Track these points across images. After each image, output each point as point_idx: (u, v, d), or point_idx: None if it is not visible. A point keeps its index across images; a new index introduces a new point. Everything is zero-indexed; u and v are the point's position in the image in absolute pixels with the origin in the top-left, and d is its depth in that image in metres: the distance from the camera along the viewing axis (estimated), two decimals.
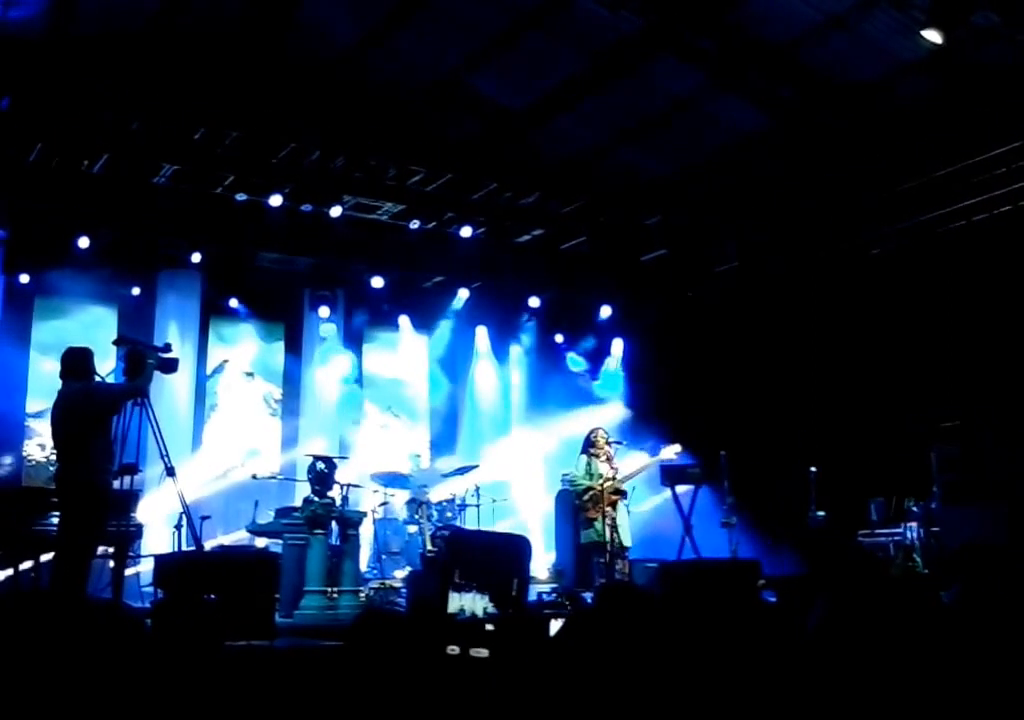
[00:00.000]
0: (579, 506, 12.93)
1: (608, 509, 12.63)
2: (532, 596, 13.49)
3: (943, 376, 14.93)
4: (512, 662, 5.92)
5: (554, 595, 13.17)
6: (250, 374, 18.00)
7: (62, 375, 9.62)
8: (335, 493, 13.36)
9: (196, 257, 16.26)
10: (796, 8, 12.74)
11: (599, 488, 12.68)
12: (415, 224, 16.63)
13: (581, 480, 12.92)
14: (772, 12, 12.93)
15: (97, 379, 9.75)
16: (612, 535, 12.55)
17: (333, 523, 13.04)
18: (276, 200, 15.32)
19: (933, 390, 15.05)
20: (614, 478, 12.77)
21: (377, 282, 17.78)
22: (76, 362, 9.65)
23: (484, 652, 6.00)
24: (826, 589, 8.79)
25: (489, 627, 6.71)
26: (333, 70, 14.41)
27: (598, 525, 12.60)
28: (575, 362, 19.23)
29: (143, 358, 9.86)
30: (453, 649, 6.03)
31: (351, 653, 5.48)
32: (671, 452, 13.34)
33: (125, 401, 9.61)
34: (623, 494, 12.87)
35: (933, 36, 11.68)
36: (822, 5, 12.63)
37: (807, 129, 14.74)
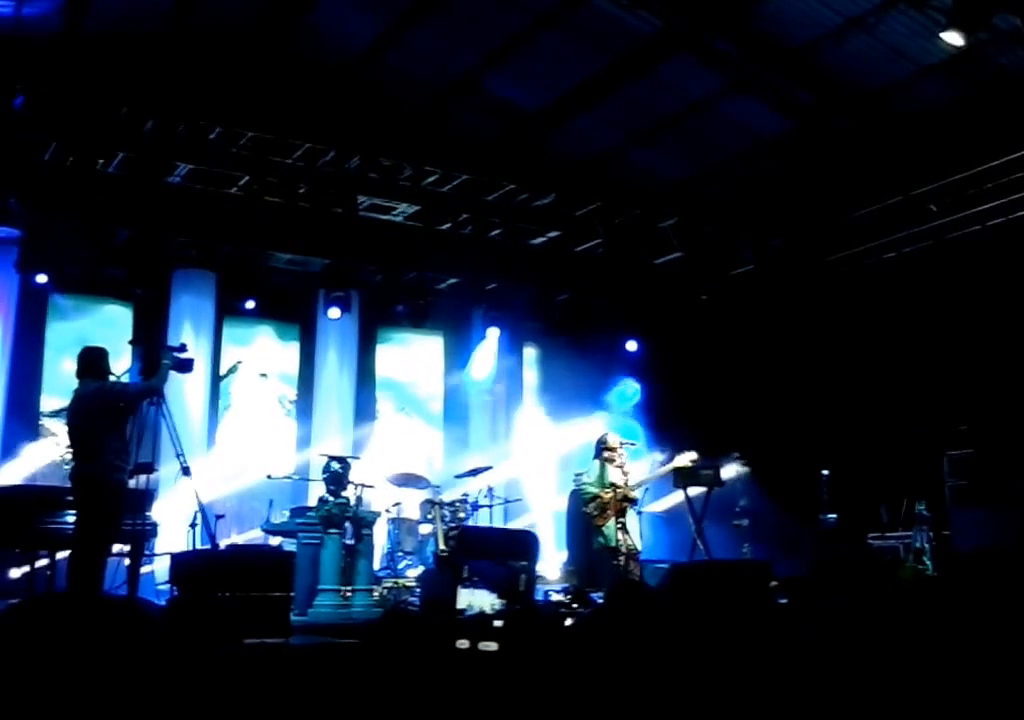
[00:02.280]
0: (587, 513, 12.93)
1: (616, 515, 12.60)
2: (540, 595, 13.59)
3: (955, 380, 14.95)
4: (521, 656, 5.97)
5: (563, 594, 13.21)
6: (264, 375, 18.04)
7: (78, 374, 9.68)
8: (349, 493, 13.40)
9: (210, 257, 16.28)
10: (814, 10, 12.75)
11: (606, 497, 12.66)
12: (430, 225, 16.63)
13: (590, 488, 12.89)
14: (790, 14, 12.95)
15: (112, 378, 9.81)
16: (623, 538, 12.53)
17: (347, 523, 13.06)
18: (290, 200, 15.33)
19: (945, 394, 15.06)
20: (626, 484, 12.73)
21: (391, 283, 17.79)
22: (92, 361, 9.72)
23: (493, 646, 6.04)
24: (836, 591, 8.83)
25: (498, 623, 6.72)
26: (348, 70, 14.43)
27: (607, 531, 12.58)
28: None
29: (159, 358, 9.92)
30: (462, 643, 6.06)
31: (371, 651, 5.52)
32: (687, 459, 13.29)
33: (141, 401, 9.67)
34: (633, 502, 12.84)
35: (954, 38, 11.65)
36: (841, 7, 12.64)
37: (824, 132, 14.75)
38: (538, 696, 5.21)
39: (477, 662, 5.90)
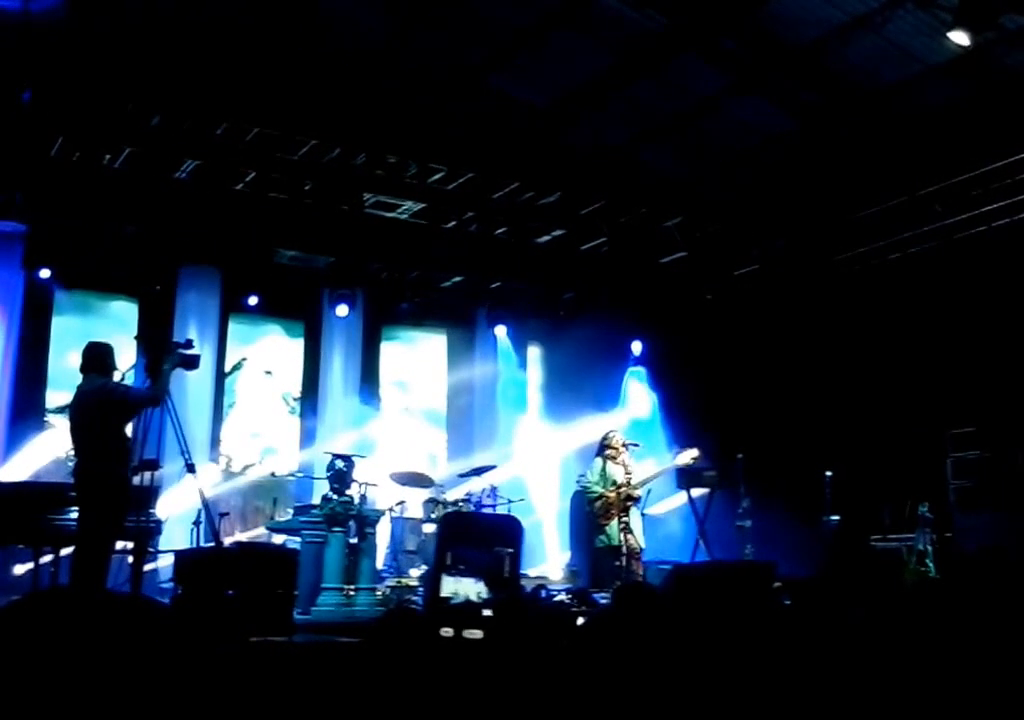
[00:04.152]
0: (591, 512, 12.91)
1: (620, 514, 12.60)
2: (543, 595, 13.57)
3: (960, 381, 14.93)
4: (511, 644, 5.96)
5: (566, 595, 13.19)
6: (269, 372, 18.05)
7: (82, 370, 9.66)
8: (353, 491, 13.40)
9: (216, 254, 16.28)
10: (821, 9, 12.75)
11: (611, 496, 12.65)
12: (435, 223, 16.63)
13: (594, 487, 12.87)
14: (797, 13, 12.94)
15: (117, 375, 9.80)
16: (626, 538, 12.53)
17: (351, 521, 13.07)
18: (296, 197, 15.33)
19: (950, 396, 15.05)
20: (628, 483, 12.72)
21: (396, 281, 17.79)
22: (96, 357, 9.69)
23: (478, 633, 6.02)
24: (842, 593, 8.81)
25: (487, 612, 6.70)
26: (355, 66, 14.43)
27: (610, 530, 12.57)
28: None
29: (162, 361, 9.89)
30: (447, 631, 6.05)
31: (373, 649, 5.52)
32: (688, 457, 13.28)
33: (141, 409, 9.63)
34: (636, 500, 12.83)
35: (960, 37, 11.64)
36: (847, 6, 12.64)
37: (830, 131, 14.75)
38: (529, 686, 5.20)
39: (465, 650, 5.90)
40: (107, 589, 9.08)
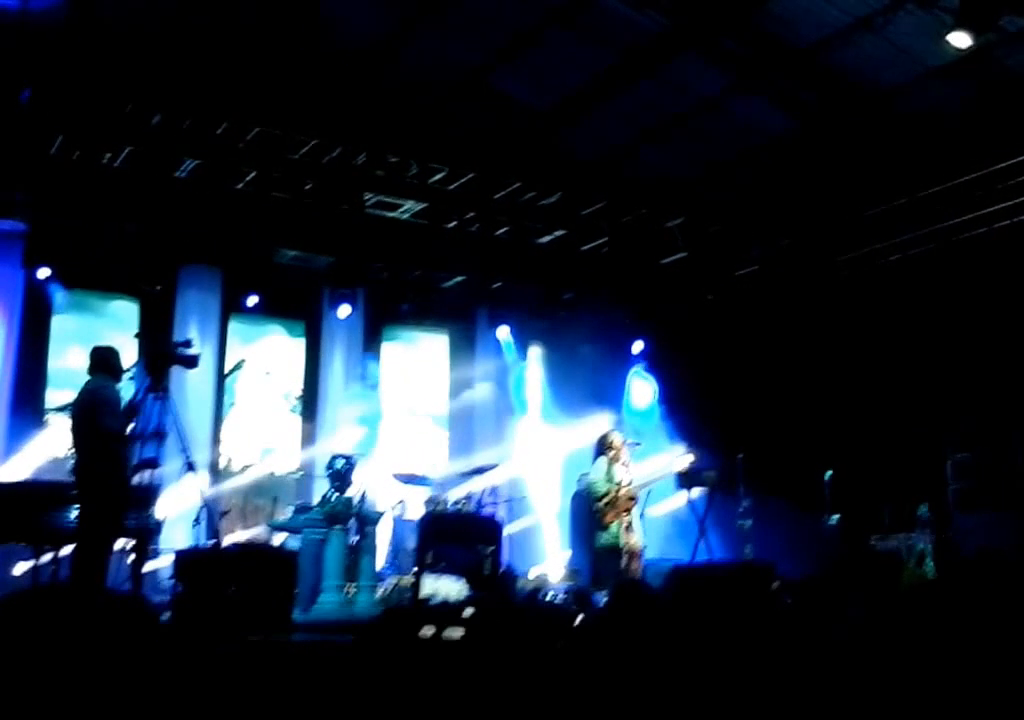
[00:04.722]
0: (595, 510, 12.93)
1: (623, 514, 12.64)
2: (540, 595, 13.60)
3: (960, 382, 14.94)
4: (489, 643, 5.94)
5: (564, 594, 13.21)
6: (269, 372, 18.04)
7: (89, 371, 9.73)
8: (354, 490, 13.40)
9: (216, 253, 16.27)
10: (822, 9, 12.74)
11: (616, 495, 12.68)
12: (436, 223, 16.62)
13: (601, 485, 12.90)
14: (798, 14, 12.94)
15: (126, 377, 9.86)
16: (627, 537, 12.55)
17: (351, 520, 13.07)
18: (297, 197, 15.33)
19: (949, 396, 15.05)
20: (632, 483, 12.76)
21: (397, 281, 17.79)
22: (102, 361, 9.78)
23: (458, 632, 6.00)
24: (844, 593, 8.82)
25: (468, 612, 6.68)
26: (356, 66, 14.41)
27: (613, 529, 12.58)
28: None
29: (163, 362, 9.94)
30: (427, 631, 6.03)
31: (370, 648, 5.52)
32: (684, 463, 13.36)
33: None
34: (635, 500, 12.88)
35: (961, 39, 11.65)
36: (849, 7, 12.64)
37: (831, 132, 14.75)
38: (517, 686, 5.19)
39: (446, 650, 5.88)
40: (107, 588, 9.11)
